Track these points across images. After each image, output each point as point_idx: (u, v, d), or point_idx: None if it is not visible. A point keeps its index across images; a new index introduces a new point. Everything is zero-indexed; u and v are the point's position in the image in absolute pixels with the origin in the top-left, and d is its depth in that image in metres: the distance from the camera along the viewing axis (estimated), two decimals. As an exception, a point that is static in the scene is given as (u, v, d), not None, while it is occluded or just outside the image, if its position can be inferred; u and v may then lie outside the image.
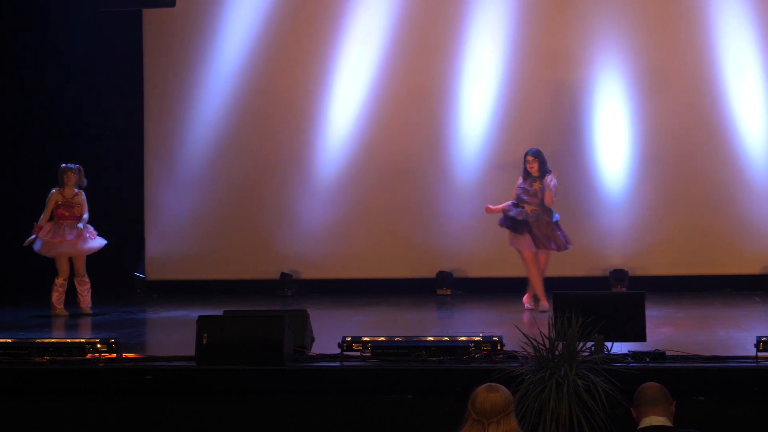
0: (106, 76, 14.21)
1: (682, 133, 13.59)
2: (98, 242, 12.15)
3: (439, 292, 13.70)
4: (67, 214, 11.97)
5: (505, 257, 13.61)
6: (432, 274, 13.79)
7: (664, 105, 13.62)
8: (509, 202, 11.83)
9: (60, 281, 12.03)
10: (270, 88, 14.21)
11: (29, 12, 14.27)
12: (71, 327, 11.14)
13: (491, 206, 12.01)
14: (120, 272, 14.04)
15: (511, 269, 12.56)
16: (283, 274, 13.98)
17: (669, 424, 6.03)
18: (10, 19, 14.26)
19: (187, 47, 14.29)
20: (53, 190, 12.02)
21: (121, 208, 14.11)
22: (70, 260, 12.07)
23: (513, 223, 11.78)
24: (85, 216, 12.02)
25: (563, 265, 12.90)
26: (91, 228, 12.09)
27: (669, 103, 13.62)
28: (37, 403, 7.97)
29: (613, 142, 13.54)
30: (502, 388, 5.53)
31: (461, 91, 13.91)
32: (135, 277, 14.17)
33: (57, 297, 11.99)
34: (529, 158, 11.71)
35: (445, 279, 13.77)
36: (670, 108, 13.61)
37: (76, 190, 12.07)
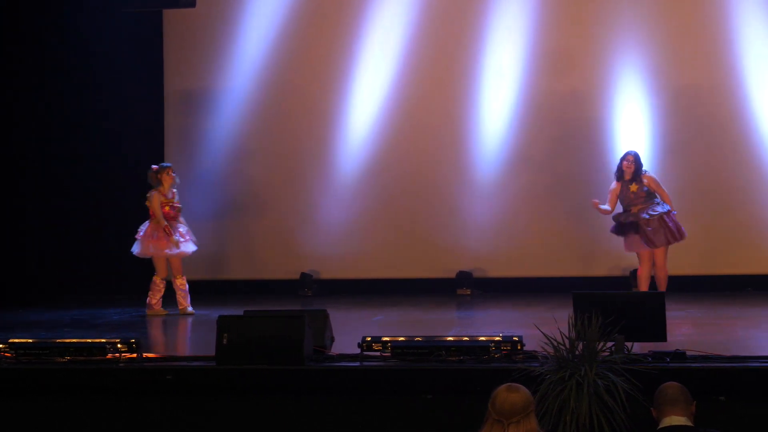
0: (127, 77, 14.25)
1: (702, 135, 13.56)
2: (191, 246, 12.24)
3: (459, 291, 13.70)
4: (166, 213, 12.05)
5: (524, 257, 13.65)
6: (452, 274, 13.79)
7: (683, 106, 13.59)
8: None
9: (158, 280, 12.11)
10: (290, 88, 14.24)
11: (51, 13, 14.32)
12: (93, 327, 11.17)
13: (600, 205, 11.86)
14: (141, 273, 14.06)
15: (531, 269, 12.57)
16: (303, 274, 14.00)
17: (689, 423, 6.00)
18: (31, 20, 14.31)
19: (207, 47, 14.33)
20: (152, 192, 12.08)
21: (142, 208, 14.12)
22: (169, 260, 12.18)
23: (621, 228, 11.77)
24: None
25: (583, 265, 12.90)
26: (187, 228, 12.21)
27: (689, 104, 13.59)
28: (57, 403, 8.00)
29: (632, 143, 13.50)
30: (522, 388, 5.53)
31: (481, 91, 13.92)
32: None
33: (153, 296, 12.07)
34: (630, 158, 11.71)
35: (465, 279, 13.76)
36: (689, 109, 13.58)
37: (174, 190, 12.16)
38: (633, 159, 11.71)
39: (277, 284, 13.98)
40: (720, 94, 13.51)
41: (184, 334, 11.21)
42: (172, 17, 14.35)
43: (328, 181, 14.17)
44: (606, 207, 11.84)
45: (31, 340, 8.52)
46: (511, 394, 5.46)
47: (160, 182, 12.07)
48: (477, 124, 13.95)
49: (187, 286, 12.17)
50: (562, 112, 13.76)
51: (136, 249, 12.07)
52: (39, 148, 14.34)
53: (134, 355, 8.20)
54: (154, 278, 12.08)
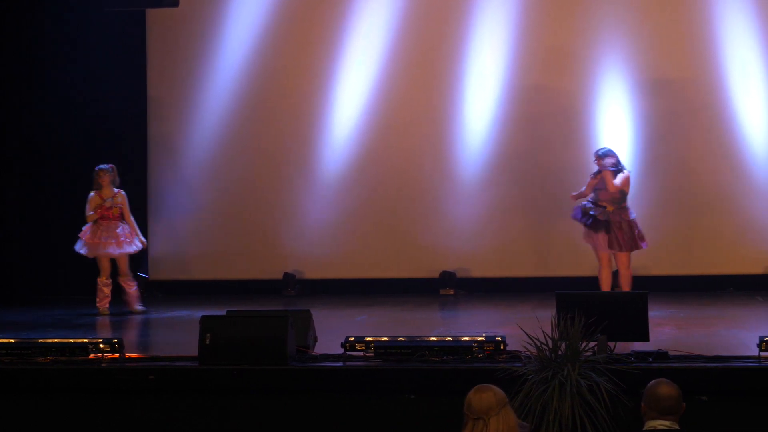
0: (110, 76, 14.18)
1: (685, 134, 13.59)
2: (138, 244, 12.30)
3: (442, 292, 13.68)
4: (106, 214, 12.06)
5: (508, 257, 13.66)
6: (435, 274, 13.78)
7: (666, 107, 13.61)
8: (588, 200, 11.67)
9: (102, 280, 12.12)
10: (274, 87, 14.21)
11: (33, 12, 14.27)
12: (75, 327, 11.14)
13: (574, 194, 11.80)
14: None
15: (515, 269, 12.56)
16: (286, 274, 13.98)
17: (675, 426, 6.00)
18: (13, 18, 14.25)
19: (190, 47, 14.30)
20: (91, 193, 12.13)
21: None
22: (113, 260, 12.18)
23: (593, 222, 11.57)
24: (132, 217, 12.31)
25: (566, 264, 12.91)
26: (129, 229, 12.24)
27: (672, 104, 13.60)
28: (40, 404, 7.98)
29: (615, 143, 13.51)
30: (491, 386, 5.55)
31: (464, 91, 13.91)
32: (138, 277, 14.15)
33: (100, 296, 12.08)
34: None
35: (448, 279, 13.75)
36: (672, 109, 13.60)
37: (115, 191, 12.15)
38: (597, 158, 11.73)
39: (260, 284, 13.95)
40: (704, 91, 13.50)
41: (167, 333, 11.18)
42: (155, 17, 14.31)
43: (311, 181, 14.15)
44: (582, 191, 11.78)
45: (13, 340, 8.51)
46: (482, 394, 5.50)
47: (98, 183, 12.12)
48: (460, 123, 13.94)
49: (134, 284, 12.29)
50: (545, 110, 13.75)
51: (79, 247, 12.15)
52: (20, 148, 14.28)
53: (117, 355, 8.20)
54: (98, 279, 12.16)
